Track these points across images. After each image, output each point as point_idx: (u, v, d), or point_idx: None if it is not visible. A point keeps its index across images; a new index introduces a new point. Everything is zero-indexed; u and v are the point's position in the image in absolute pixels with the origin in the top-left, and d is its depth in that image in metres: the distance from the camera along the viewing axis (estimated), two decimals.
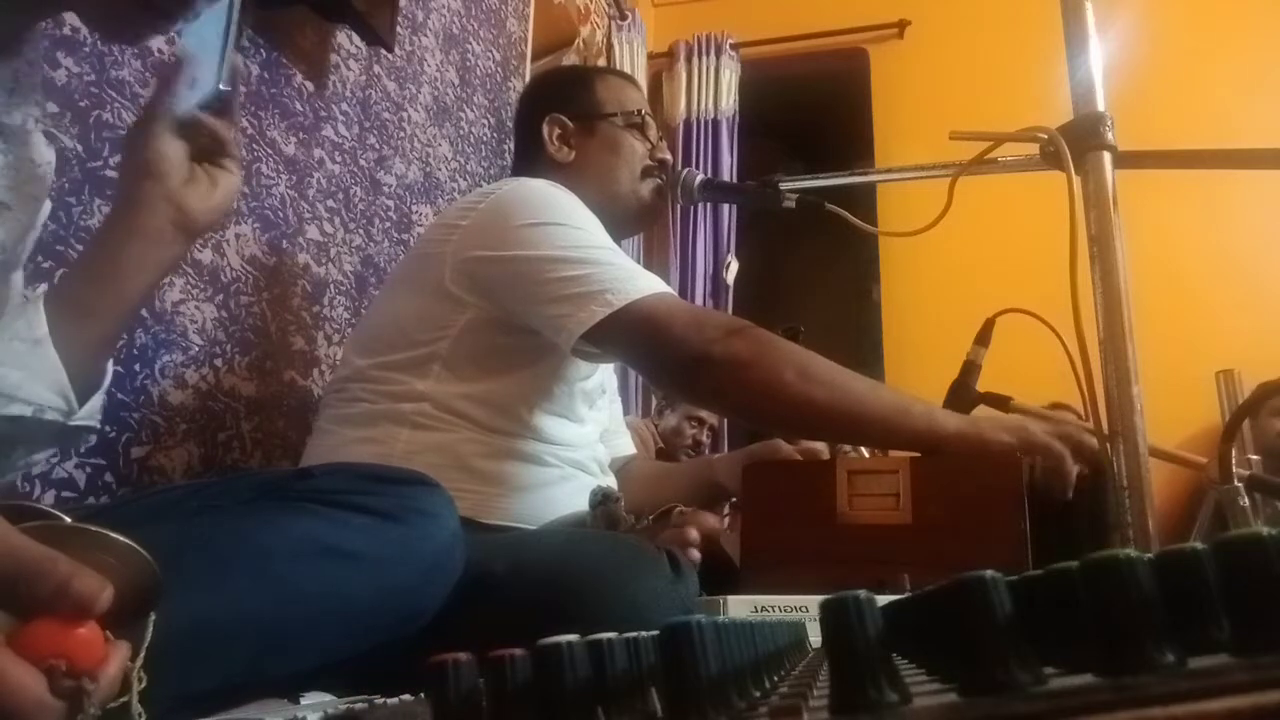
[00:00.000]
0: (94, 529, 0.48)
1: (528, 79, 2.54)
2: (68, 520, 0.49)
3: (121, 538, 0.48)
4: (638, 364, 1.24)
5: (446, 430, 1.12)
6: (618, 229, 1.37)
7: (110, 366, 0.79)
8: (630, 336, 1.07)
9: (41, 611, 0.44)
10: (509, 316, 1.14)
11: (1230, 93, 3.20)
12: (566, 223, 1.14)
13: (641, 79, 3.45)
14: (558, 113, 1.39)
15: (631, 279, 1.08)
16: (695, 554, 1.04)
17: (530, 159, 1.40)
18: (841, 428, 1.07)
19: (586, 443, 1.26)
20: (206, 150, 0.77)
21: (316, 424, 1.24)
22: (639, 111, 1.41)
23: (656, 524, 1.11)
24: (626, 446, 1.51)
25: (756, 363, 1.03)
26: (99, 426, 0.79)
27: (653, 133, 1.42)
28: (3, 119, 0.67)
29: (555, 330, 1.08)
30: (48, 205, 0.78)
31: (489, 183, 2.06)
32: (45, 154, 0.73)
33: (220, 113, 0.76)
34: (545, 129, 1.38)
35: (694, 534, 1.07)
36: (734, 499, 1.39)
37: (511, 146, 1.56)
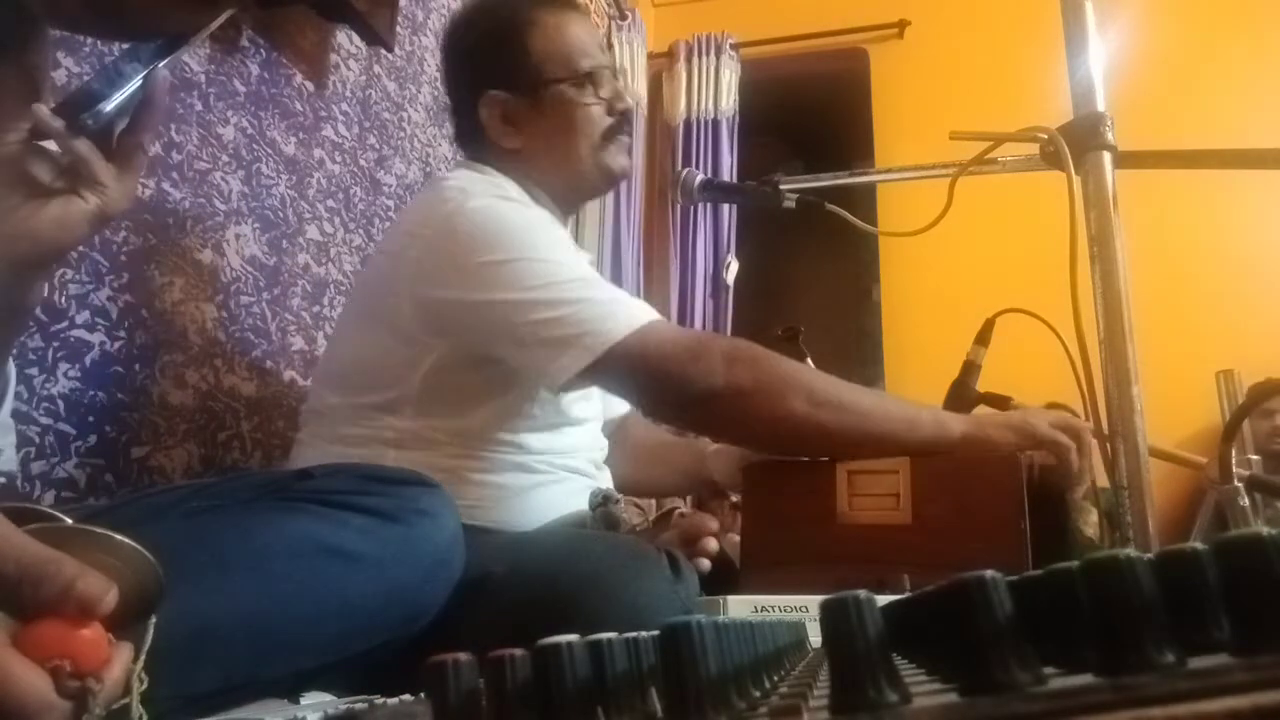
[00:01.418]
0: (98, 531, 0.48)
1: None
2: (70, 522, 0.49)
3: (126, 540, 0.48)
4: (634, 401, 1.17)
5: (432, 450, 1.09)
6: (583, 198, 1.31)
7: (9, 384, 0.73)
8: (619, 378, 1.03)
9: (46, 613, 0.44)
10: (481, 355, 1.08)
11: (1230, 93, 3.20)
12: (530, 256, 1.04)
13: (641, 79, 3.45)
14: (493, 89, 1.19)
15: (610, 315, 1.00)
16: (705, 563, 1.04)
17: (474, 143, 1.24)
18: (852, 449, 1.04)
19: (582, 445, 1.22)
20: (72, 172, 0.67)
21: (298, 437, 1.20)
22: (587, 67, 1.20)
23: (657, 525, 1.11)
24: (623, 403, 1.40)
25: (761, 390, 1.00)
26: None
27: (607, 82, 1.21)
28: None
29: (537, 375, 1.03)
30: None
31: None
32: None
33: (130, 131, 0.67)
34: (483, 113, 1.19)
35: (712, 543, 1.05)
36: (730, 497, 1.38)
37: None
